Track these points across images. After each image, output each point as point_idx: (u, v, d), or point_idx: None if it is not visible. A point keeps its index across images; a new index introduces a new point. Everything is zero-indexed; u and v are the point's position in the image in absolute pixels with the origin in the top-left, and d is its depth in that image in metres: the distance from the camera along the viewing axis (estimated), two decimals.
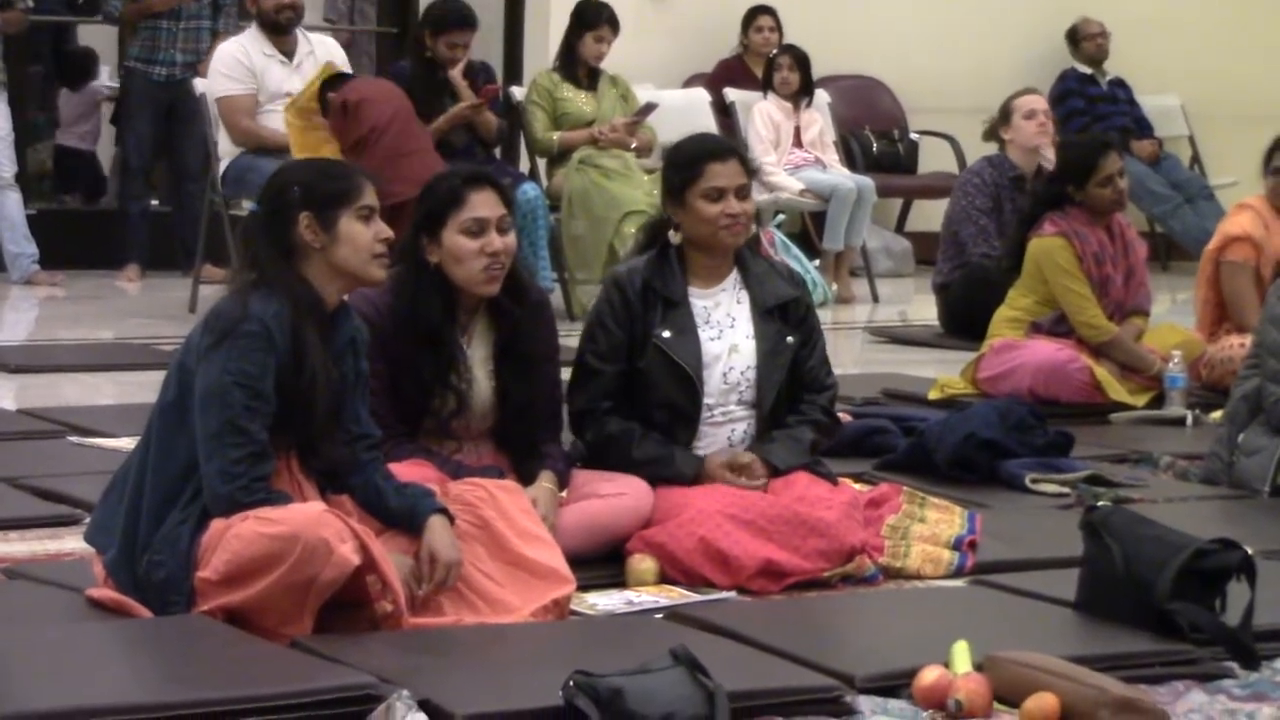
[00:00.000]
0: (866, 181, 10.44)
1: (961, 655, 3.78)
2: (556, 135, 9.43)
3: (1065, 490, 5.53)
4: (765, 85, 10.58)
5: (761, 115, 10.43)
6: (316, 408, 4.01)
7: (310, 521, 3.86)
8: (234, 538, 3.87)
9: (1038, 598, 4.40)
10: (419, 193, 4.61)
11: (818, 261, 10.17)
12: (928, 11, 12.00)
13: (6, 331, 9.09)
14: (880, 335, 9.20)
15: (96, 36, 12.45)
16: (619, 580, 4.53)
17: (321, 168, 4.30)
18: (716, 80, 11.09)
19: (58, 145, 12.39)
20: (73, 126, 12.40)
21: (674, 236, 4.87)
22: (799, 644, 3.95)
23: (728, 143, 5.23)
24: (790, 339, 4.89)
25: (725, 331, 4.86)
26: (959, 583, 4.67)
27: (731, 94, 10.75)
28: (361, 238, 4.06)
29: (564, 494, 4.63)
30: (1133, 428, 6.67)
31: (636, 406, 4.80)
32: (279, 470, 4.02)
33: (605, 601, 4.37)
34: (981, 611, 4.35)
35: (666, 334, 4.80)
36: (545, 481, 4.57)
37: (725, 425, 4.86)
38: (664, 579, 4.53)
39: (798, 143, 10.49)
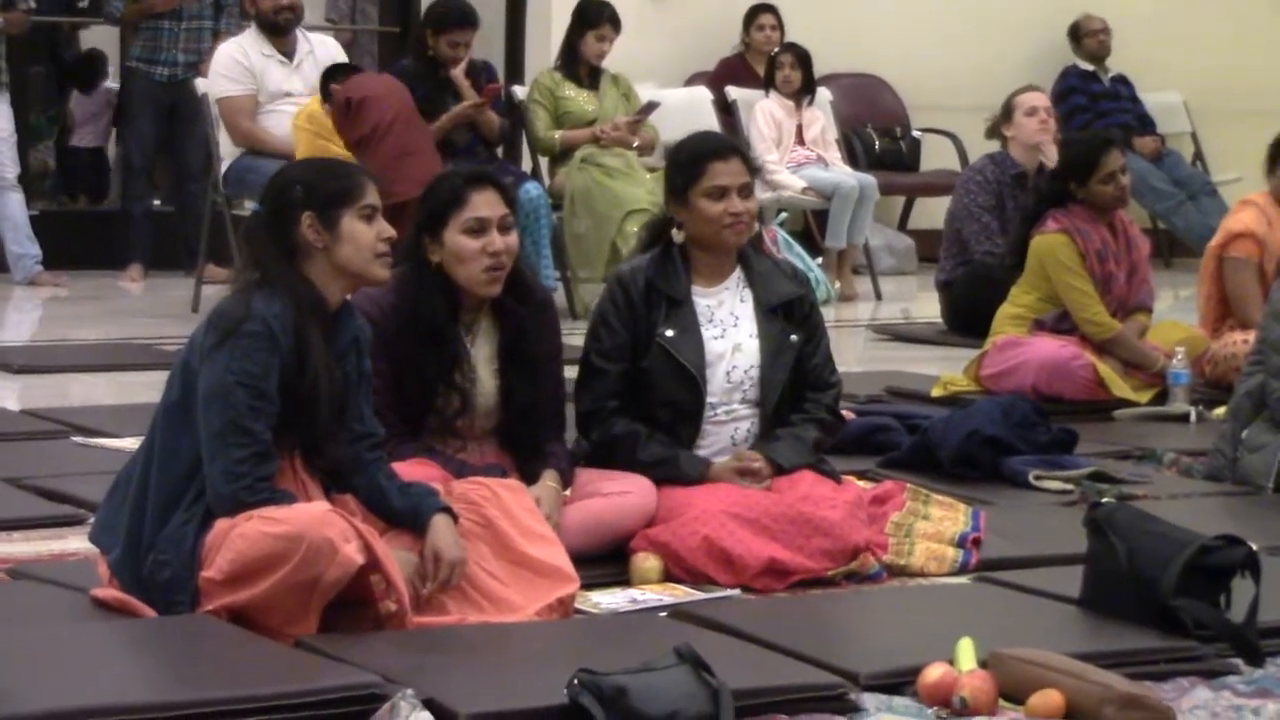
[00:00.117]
0: (869, 179, 10.44)
1: (966, 652, 3.78)
2: (558, 134, 9.44)
3: (1069, 487, 5.53)
4: (767, 83, 10.58)
5: (763, 113, 10.43)
6: (320, 407, 4.01)
7: (314, 521, 3.86)
8: (238, 537, 3.87)
9: (1042, 595, 4.40)
10: (420, 192, 4.61)
11: (820, 259, 10.17)
12: (929, 9, 12.00)
13: (10, 332, 9.09)
14: (883, 333, 9.20)
15: (97, 37, 12.44)
16: (623, 579, 4.53)
17: (324, 167, 4.30)
18: (718, 78, 11.09)
19: (71, 146, 12.41)
20: (85, 127, 12.42)
21: (677, 236, 4.87)
22: (803, 642, 3.94)
23: (730, 141, 5.23)
24: (794, 337, 4.89)
25: (729, 330, 4.86)
26: (963, 580, 4.67)
27: (733, 92, 10.75)
28: (364, 237, 4.06)
29: (567, 493, 4.63)
30: (1136, 424, 6.67)
31: (640, 405, 4.80)
32: (283, 470, 4.02)
33: (609, 600, 4.37)
34: (986, 609, 4.35)
35: (670, 333, 4.80)
36: (549, 480, 4.56)
37: (729, 424, 4.86)
38: (668, 577, 4.53)
39: (800, 141, 10.49)
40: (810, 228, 10.81)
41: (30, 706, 3.35)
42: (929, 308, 9.23)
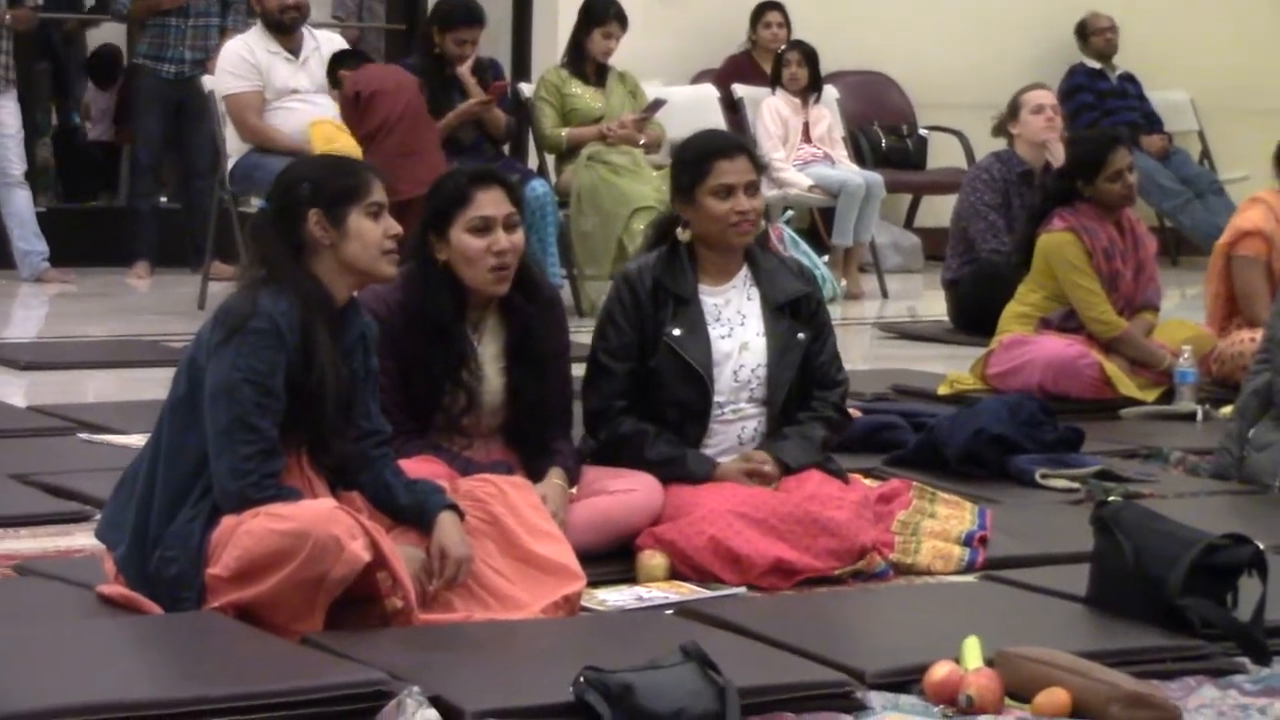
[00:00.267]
0: (875, 177, 10.44)
1: (972, 651, 3.78)
2: (565, 131, 9.44)
3: (1075, 486, 5.53)
4: (774, 81, 10.58)
5: (770, 111, 10.43)
6: (326, 404, 4.01)
7: (321, 518, 3.86)
8: (245, 534, 3.87)
9: (1048, 593, 4.39)
10: (424, 191, 4.61)
11: (826, 257, 10.16)
12: (936, 7, 12.00)
13: (16, 328, 9.10)
14: (889, 331, 9.20)
15: (105, 35, 12.45)
16: (629, 576, 4.53)
17: (331, 164, 4.30)
18: (725, 76, 11.09)
19: (88, 141, 12.43)
20: (101, 122, 12.43)
21: (683, 234, 4.86)
22: (810, 639, 3.94)
23: (736, 139, 5.22)
24: (801, 335, 4.88)
25: (736, 329, 4.86)
26: (970, 578, 4.67)
27: (740, 90, 10.75)
28: (371, 234, 4.06)
29: (574, 490, 4.63)
30: (1143, 423, 6.66)
31: (647, 405, 4.79)
32: (289, 467, 4.03)
33: (615, 597, 4.36)
34: (992, 607, 4.35)
35: (677, 332, 4.79)
36: (555, 478, 4.56)
37: (736, 423, 4.85)
38: (674, 575, 4.53)
39: (806, 138, 10.49)
40: (817, 225, 10.81)
41: (36, 703, 3.36)
42: (935, 306, 9.22)
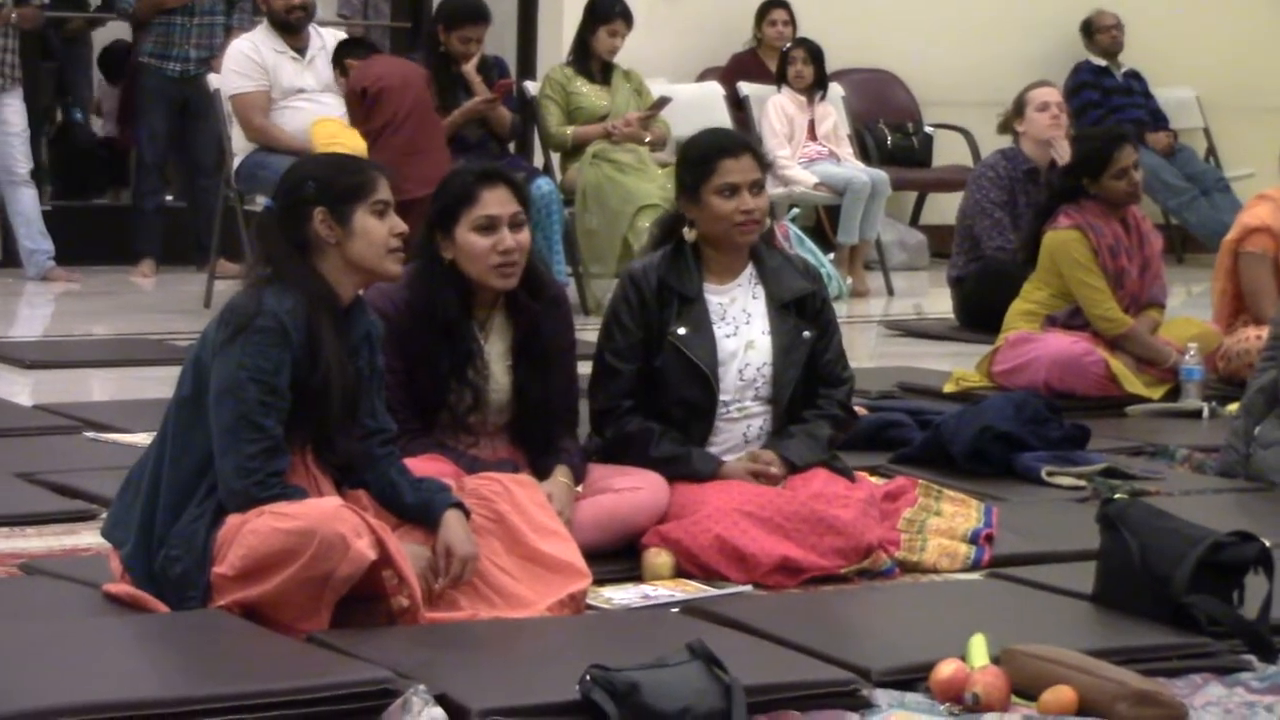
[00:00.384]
0: (881, 175, 10.44)
1: (979, 649, 3.78)
2: (570, 130, 9.44)
3: (1081, 483, 5.52)
4: (779, 79, 10.57)
5: (775, 109, 10.42)
6: (332, 403, 4.01)
7: (326, 516, 3.86)
8: (250, 533, 3.87)
9: (1054, 591, 4.39)
10: (428, 191, 4.61)
11: (832, 255, 10.16)
12: (942, 4, 11.99)
13: (22, 327, 9.10)
14: (895, 329, 9.20)
15: (112, 33, 12.45)
16: (635, 574, 4.53)
17: (336, 163, 4.29)
18: (730, 74, 11.09)
19: (101, 137, 12.43)
20: (111, 119, 12.42)
21: (689, 234, 4.86)
22: (815, 638, 3.94)
23: (741, 138, 5.22)
24: (806, 333, 4.88)
25: (741, 328, 4.85)
26: (975, 576, 4.67)
27: (745, 88, 10.75)
28: (376, 232, 4.06)
29: (580, 488, 4.63)
30: (1149, 420, 6.66)
31: (653, 403, 4.79)
32: (294, 465, 4.03)
33: (621, 596, 4.36)
34: (998, 605, 4.35)
35: (682, 331, 4.79)
36: (561, 476, 4.56)
37: (741, 421, 4.85)
38: (680, 573, 4.53)
39: (812, 136, 10.49)
40: (822, 223, 10.80)
41: (42, 702, 3.35)
42: (941, 303, 9.22)
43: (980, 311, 8.11)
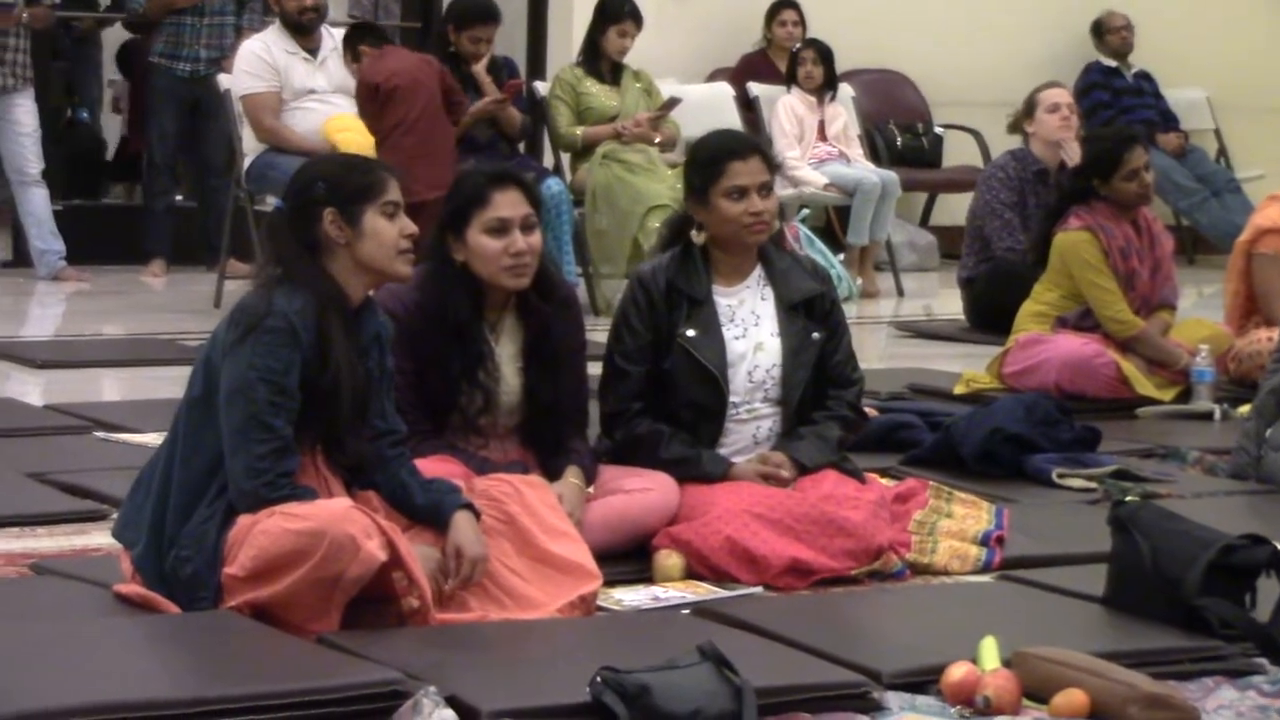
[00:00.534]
0: (891, 175, 10.43)
1: (990, 651, 3.77)
2: (580, 130, 9.44)
3: (1092, 485, 5.51)
4: (789, 79, 10.57)
5: (785, 109, 10.42)
6: (341, 403, 4.01)
7: (336, 517, 3.85)
8: (260, 534, 3.87)
9: (1066, 593, 4.38)
10: (438, 194, 4.61)
11: (842, 256, 10.16)
12: (952, 5, 11.99)
13: (33, 327, 9.11)
14: (905, 330, 9.19)
15: (120, 34, 12.45)
16: (645, 576, 4.52)
17: (346, 164, 4.29)
18: (740, 74, 11.09)
19: (122, 136, 12.44)
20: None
21: (697, 237, 4.85)
22: (826, 640, 3.94)
23: (749, 139, 5.21)
24: (815, 335, 4.87)
25: (750, 330, 4.85)
26: (986, 578, 4.66)
27: (755, 88, 10.74)
28: (386, 233, 4.06)
29: (590, 489, 4.62)
30: (1160, 422, 6.65)
31: (663, 405, 4.79)
32: (305, 466, 4.02)
33: (632, 597, 4.36)
34: (1009, 607, 4.34)
35: (691, 333, 4.79)
36: (571, 477, 4.56)
37: (751, 423, 4.85)
38: (690, 575, 4.52)
39: (822, 137, 10.48)
40: (832, 224, 10.80)
41: (52, 702, 3.35)
42: (951, 304, 9.21)
43: (990, 313, 8.10)
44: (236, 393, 3.94)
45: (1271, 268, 7.11)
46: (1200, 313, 8.23)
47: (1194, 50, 12.39)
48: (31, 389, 7.05)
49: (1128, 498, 4.72)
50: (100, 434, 6.02)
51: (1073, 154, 8.05)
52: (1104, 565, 4.30)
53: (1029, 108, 8.46)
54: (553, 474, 4.55)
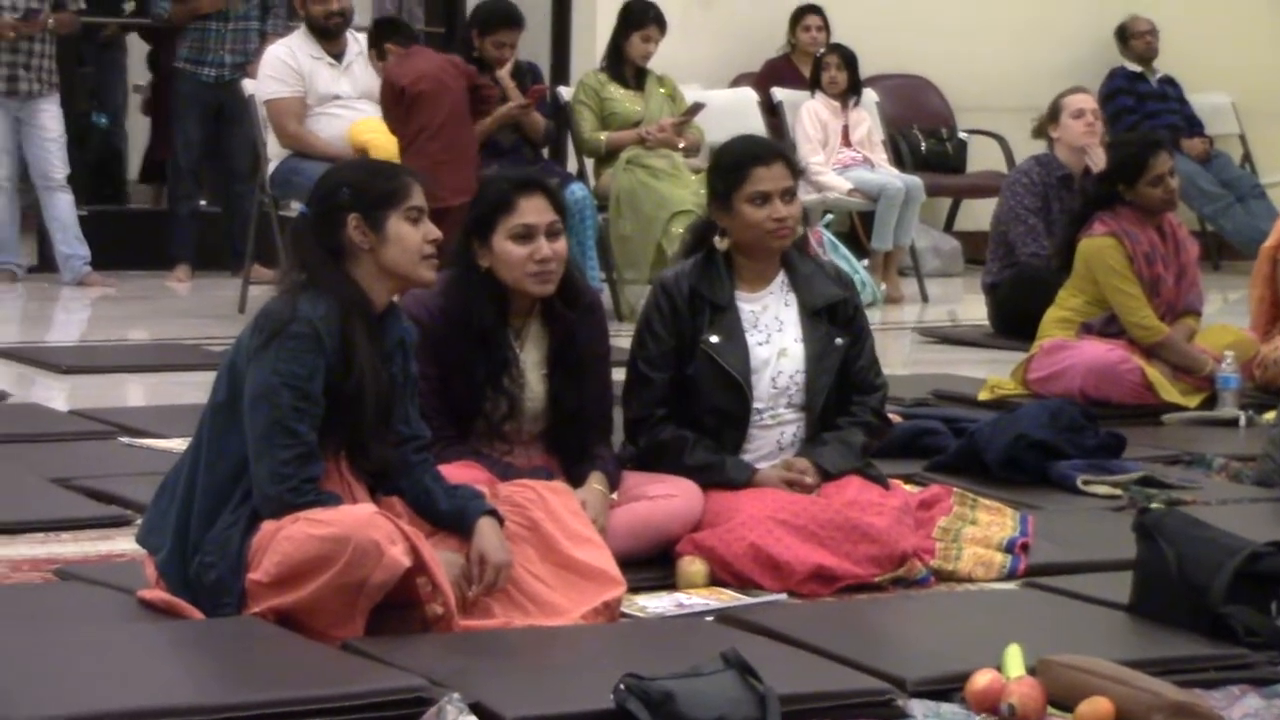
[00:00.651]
0: (915, 181, 10.42)
1: (1014, 659, 3.76)
2: (604, 135, 9.44)
3: (1117, 492, 5.50)
4: (813, 85, 10.56)
5: (809, 115, 10.41)
6: (365, 409, 4.02)
7: (361, 523, 3.86)
8: (284, 539, 3.87)
9: (1091, 601, 4.37)
10: (463, 199, 4.61)
11: (866, 261, 10.15)
12: (976, 10, 11.97)
13: (58, 332, 9.13)
14: (930, 335, 9.18)
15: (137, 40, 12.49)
16: (669, 582, 4.52)
17: (370, 169, 4.30)
18: (764, 80, 11.09)
19: (107, 145, 12.45)
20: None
21: (720, 243, 4.85)
22: (850, 647, 3.93)
23: (772, 145, 5.21)
24: (839, 340, 4.87)
25: (773, 335, 4.85)
26: (1011, 585, 4.65)
27: (779, 93, 10.74)
28: (410, 239, 4.06)
29: (614, 496, 4.62)
30: (1185, 429, 6.63)
31: (687, 411, 4.78)
32: (329, 472, 4.03)
33: (655, 604, 4.36)
34: (1034, 615, 4.33)
35: (715, 339, 4.78)
36: (595, 483, 4.56)
37: (775, 428, 4.84)
38: (714, 581, 4.52)
39: (846, 142, 10.47)
40: (856, 229, 10.79)
41: (76, 708, 3.36)
42: (975, 310, 9.20)
43: (1015, 318, 8.09)
44: (261, 398, 3.94)
45: None
46: (1225, 318, 8.20)
47: (1219, 55, 12.36)
48: (56, 394, 7.06)
49: (1153, 504, 4.72)
50: (125, 439, 6.03)
51: (1097, 160, 8.04)
52: (1129, 572, 4.29)
53: (1053, 113, 8.45)
54: (577, 480, 4.55)
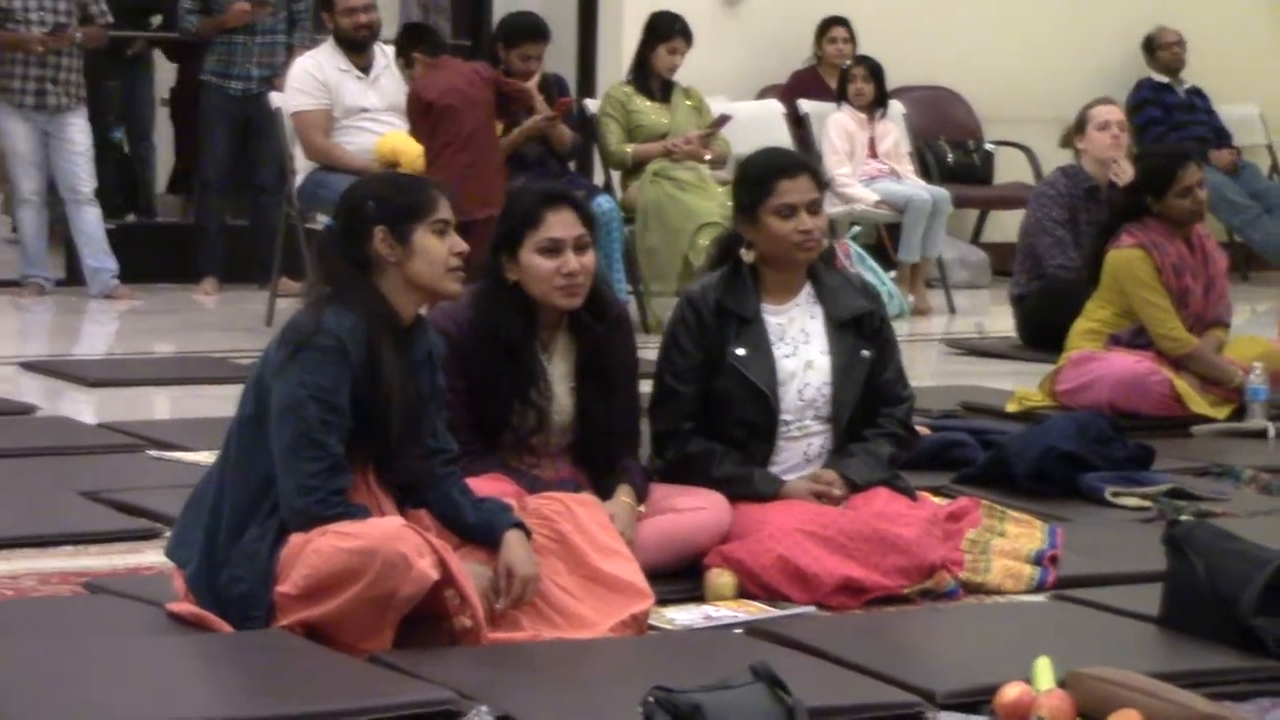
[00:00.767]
0: (942, 192, 10.41)
1: (1044, 671, 3.75)
2: (630, 148, 9.44)
3: (1146, 504, 5.49)
4: (839, 96, 10.56)
5: (836, 126, 10.41)
6: (392, 421, 4.02)
7: (389, 536, 3.86)
8: (313, 552, 3.87)
9: (1120, 613, 4.36)
10: (490, 213, 4.61)
11: (893, 273, 10.14)
12: (1002, 21, 11.96)
13: (86, 345, 9.15)
14: (957, 347, 9.16)
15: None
16: (697, 595, 4.51)
17: (396, 182, 4.31)
18: (790, 92, 11.08)
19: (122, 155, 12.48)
20: None
21: (747, 255, 4.85)
22: (879, 659, 3.93)
23: (798, 157, 5.21)
24: (865, 353, 4.86)
25: (800, 348, 4.84)
26: (1040, 598, 4.64)
27: (805, 105, 10.74)
28: (436, 251, 4.06)
29: (642, 508, 4.62)
30: (1214, 441, 6.62)
31: (714, 424, 4.78)
32: (356, 484, 4.03)
33: (684, 616, 4.35)
34: (1063, 627, 4.32)
35: (741, 352, 4.78)
36: (623, 496, 4.55)
37: (802, 440, 4.84)
38: (743, 594, 4.51)
39: (872, 154, 10.46)
40: (883, 241, 10.77)
41: None
42: (1003, 322, 9.18)
43: (1042, 330, 8.07)
44: (287, 411, 3.95)
45: None
46: (1254, 330, 8.18)
47: (1246, 66, 12.34)
48: (84, 407, 7.08)
49: (1182, 516, 4.71)
50: (153, 452, 6.04)
51: (1122, 173, 8.02)
52: (1159, 585, 4.28)
53: (1079, 124, 8.44)
54: (604, 493, 4.54)
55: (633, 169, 9.45)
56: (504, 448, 4.58)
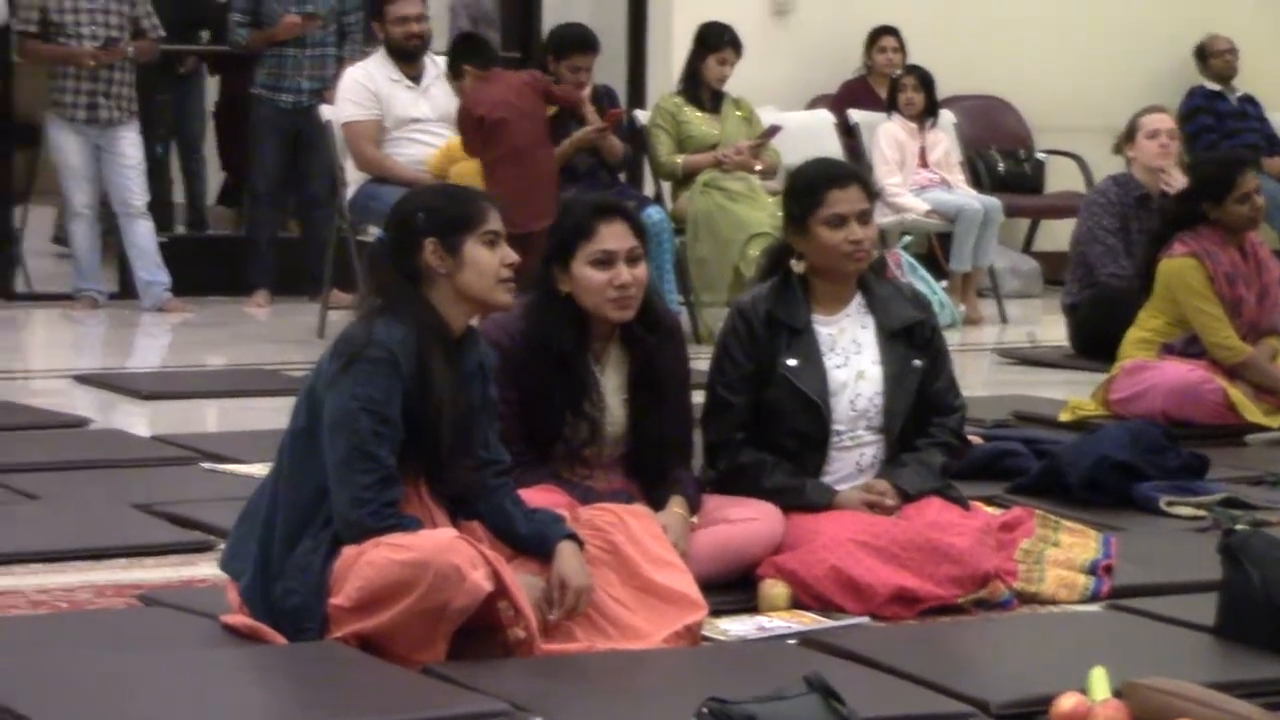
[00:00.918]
0: (993, 201, 10.38)
1: (1099, 681, 3.73)
2: (680, 158, 9.44)
3: (1201, 513, 5.46)
4: (890, 106, 10.55)
5: (886, 136, 10.39)
6: (443, 433, 4.02)
7: (442, 548, 3.86)
8: (366, 565, 3.88)
9: (1176, 623, 4.34)
10: (542, 225, 4.61)
11: (945, 283, 10.11)
12: (1053, 30, 11.92)
13: (138, 358, 9.19)
14: (1009, 357, 9.13)
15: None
16: (751, 606, 4.50)
17: (447, 193, 4.31)
18: (840, 102, 11.07)
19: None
20: None
21: (797, 266, 4.84)
22: (934, 670, 3.91)
23: (848, 167, 5.20)
24: (917, 362, 4.85)
25: (851, 358, 4.83)
26: (1095, 608, 4.62)
27: (856, 115, 10.72)
28: (487, 263, 4.07)
29: (695, 519, 4.61)
30: (1268, 449, 6.58)
31: (766, 435, 4.77)
32: (409, 496, 4.03)
33: (737, 627, 4.34)
34: (1119, 637, 4.30)
35: (792, 362, 4.77)
36: (676, 507, 4.55)
37: (854, 450, 4.83)
38: (796, 604, 4.50)
39: (923, 163, 10.45)
40: (935, 251, 10.75)
41: None
42: (1055, 331, 9.15)
43: (1095, 339, 8.04)
44: (340, 423, 3.95)
45: None
46: None
47: None
48: (137, 420, 7.11)
49: (1238, 526, 4.68)
50: (206, 465, 6.06)
51: (1172, 183, 7.99)
52: (1214, 594, 4.26)
53: (1130, 132, 8.40)
54: (657, 504, 4.54)
55: (683, 180, 9.45)
56: (556, 459, 4.58)
